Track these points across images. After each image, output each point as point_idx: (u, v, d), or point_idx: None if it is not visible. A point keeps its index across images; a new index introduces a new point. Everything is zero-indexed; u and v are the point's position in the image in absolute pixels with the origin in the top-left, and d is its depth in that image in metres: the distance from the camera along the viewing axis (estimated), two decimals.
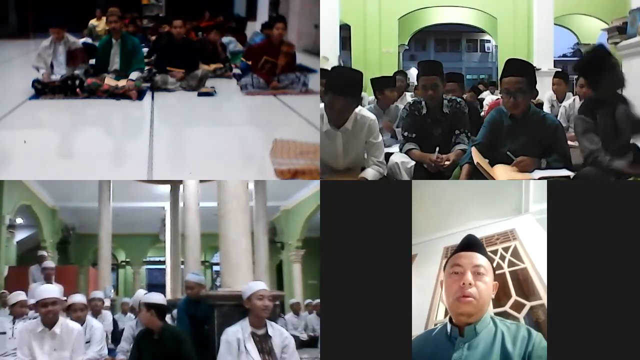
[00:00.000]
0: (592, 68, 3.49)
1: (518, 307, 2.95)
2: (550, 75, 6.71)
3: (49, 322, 3.42)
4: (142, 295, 4.13)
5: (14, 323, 4.60)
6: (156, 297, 3.66)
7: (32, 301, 4.44)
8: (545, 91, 6.45)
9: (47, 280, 6.32)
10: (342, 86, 3.55)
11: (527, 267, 3.18)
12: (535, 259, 3.17)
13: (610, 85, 3.43)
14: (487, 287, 2.28)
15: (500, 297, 2.89)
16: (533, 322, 2.79)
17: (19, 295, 4.79)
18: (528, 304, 2.95)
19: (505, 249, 3.48)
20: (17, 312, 4.66)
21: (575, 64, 3.88)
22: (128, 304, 6.99)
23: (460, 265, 2.31)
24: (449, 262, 2.36)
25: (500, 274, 3.16)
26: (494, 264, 3.21)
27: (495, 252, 3.49)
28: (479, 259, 2.32)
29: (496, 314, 2.42)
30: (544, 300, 2.86)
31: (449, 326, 2.27)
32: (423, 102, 4.06)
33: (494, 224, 3.87)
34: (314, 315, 7.74)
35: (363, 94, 7.59)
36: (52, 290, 3.48)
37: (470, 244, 2.41)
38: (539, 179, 3.27)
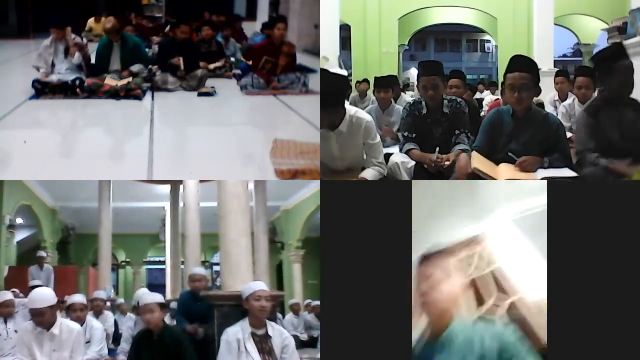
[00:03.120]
0: (606, 63, 3.48)
1: (499, 304, 2.95)
2: (550, 76, 6.69)
3: (46, 326, 3.39)
4: (143, 293, 4.07)
5: (5, 324, 4.57)
6: (160, 297, 3.65)
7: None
8: (545, 92, 6.43)
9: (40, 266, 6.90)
10: (324, 91, 3.58)
11: (501, 265, 3.17)
12: (509, 258, 3.16)
13: (618, 85, 3.42)
14: (444, 295, 2.35)
15: (484, 297, 2.90)
16: (514, 317, 2.78)
17: (4, 295, 4.74)
18: (507, 301, 2.94)
19: (477, 252, 3.46)
20: (4, 312, 4.62)
21: (593, 56, 3.87)
22: (124, 304, 7.02)
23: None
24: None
25: (480, 276, 3.17)
26: (472, 268, 3.24)
27: (471, 255, 3.47)
28: (428, 268, 2.41)
29: (480, 314, 2.49)
30: (521, 294, 2.87)
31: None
32: (423, 102, 4.05)
33: (465, 228, 3.86)
34: (313, 315, 7.74)
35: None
36: (42, 300, 3.37)
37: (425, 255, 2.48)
38: (542, 179, 3.25)
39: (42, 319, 3.36)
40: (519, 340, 2.21)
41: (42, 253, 7.85)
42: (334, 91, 3.62)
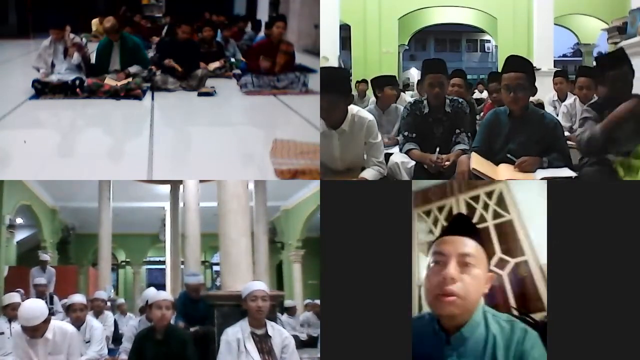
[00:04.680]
0: (605, 66, 3.49)
1: (502, 264, 2.81)
2: (550, 75, 6.71)
3: (38, 336, 3.33)
4: (156, 292, 4.03)
5: (10, 323, 4.58)
6: (171, 297, 3.67)
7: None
8: (545, 92, 6.46)
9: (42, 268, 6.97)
10: (327, 83, 3.57)
11: (513, 218, 2.92)
12: (523, 209, 2.89)
13: (616, 87, 3.42)
14: (477, 282, 1.89)
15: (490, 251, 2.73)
16: (517, 279, 2.70)
17: (12, 297, 4.75)
18: (512, 261, 2.81)
19: (489, 194, 3.15)
20: (10, 314, 4.63)
21: (596, 57, 3.89)
22: (124, 304, 7.02)
23: (443, 254, 1.91)
24: (432, 248, 1.97)
25: (483, 228, 2.89)
26: (476, 215, 3.01)
27: (476, 198, 3.19)
28: (467, 245, 1.91)
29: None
30: (527, 256, 2.72)
31: (436, 326, 1.96)
32: (425, 102, 4.05)
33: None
34: (312, 313, 7.73)
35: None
36: (35, 318, 3.25)
37: (458, 225, 1.99)
38: (542, 179, 3.25)
39: (36, 333, 3.29)
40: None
41: (46, 256, 7.83)
42: (338, 83, 3.62)
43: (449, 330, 1.93)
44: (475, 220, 2.96)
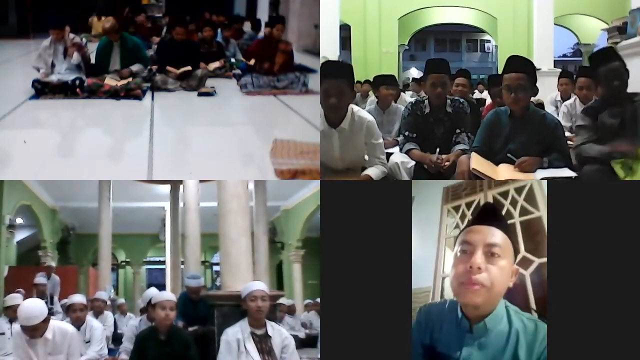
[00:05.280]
0: (595, 65, 3.50)
1: (526, 264, 2.79)
2: (550, 75, 6.74)
3: (38, 335, 3.33)
4: (159, 292, 4.01)
5: (10, 323, 4.58)
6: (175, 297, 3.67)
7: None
8: (545, 92, 6.45)
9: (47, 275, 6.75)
10: (333, 70, 3.59)
11: (542, 215, 2.85)
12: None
13: (610, 84, 3.43)
14: (502, 274, 1.90)
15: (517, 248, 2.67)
16: (541, 280, 2.67)
17: (13, 300, 4.75)
18: (537, 261, 2.78)
19: (519, 190, 3.11)
20: (11, 315, 4.64)
21: (589, 56, 3.90)
22: (124, 304, 7.02)
23: (470, 243, 1.93)
24: (459, 237, 2.00)
25: (510, 224, 2.76)
26: (504, 210, 2.99)
27: (505, 193, 3.16)
28: (495, 235, 1.93)
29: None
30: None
31: (459, 313, 1.98)
32: (426, 101, 4.05)
33: None
34: (312, 313, 7.73)
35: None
36: (35, 318, 3.24)
37: (486, 214, 2.01)
38: (542, 179, 3.25)
39: (36, 332, 3.29)
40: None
41: (52, 263, 7.83)
42: (343, 69, 3.63)
43: (470, 319, 1.95)
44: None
